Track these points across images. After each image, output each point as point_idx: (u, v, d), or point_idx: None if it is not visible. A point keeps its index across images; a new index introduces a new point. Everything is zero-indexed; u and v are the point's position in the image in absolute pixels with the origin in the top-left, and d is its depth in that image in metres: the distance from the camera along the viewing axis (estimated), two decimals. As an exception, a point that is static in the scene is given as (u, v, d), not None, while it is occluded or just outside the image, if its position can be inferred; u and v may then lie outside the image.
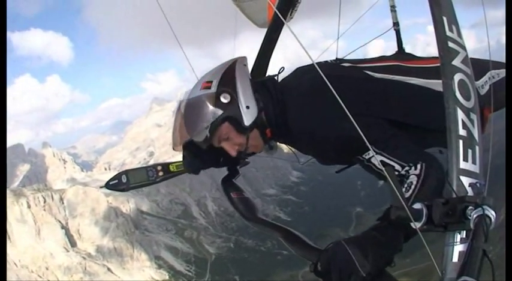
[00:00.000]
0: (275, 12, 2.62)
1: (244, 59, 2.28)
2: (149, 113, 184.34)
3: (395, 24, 3.05)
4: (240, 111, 2.07)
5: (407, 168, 1.76)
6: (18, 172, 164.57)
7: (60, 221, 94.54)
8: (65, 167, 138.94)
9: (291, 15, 3.12)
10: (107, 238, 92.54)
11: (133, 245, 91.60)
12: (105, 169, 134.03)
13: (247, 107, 2.08)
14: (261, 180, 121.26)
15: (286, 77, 2.35)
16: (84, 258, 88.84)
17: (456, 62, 1.49)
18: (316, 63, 2.12)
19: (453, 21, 1.55)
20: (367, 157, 1.90)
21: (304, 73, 2.29)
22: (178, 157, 2.51)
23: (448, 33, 1.52)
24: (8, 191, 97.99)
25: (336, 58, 2.52)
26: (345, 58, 2.51)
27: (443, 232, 1.30)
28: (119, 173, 2.45)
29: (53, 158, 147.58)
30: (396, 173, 1.79)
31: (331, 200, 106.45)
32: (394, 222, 1.34)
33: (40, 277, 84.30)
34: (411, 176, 1.69)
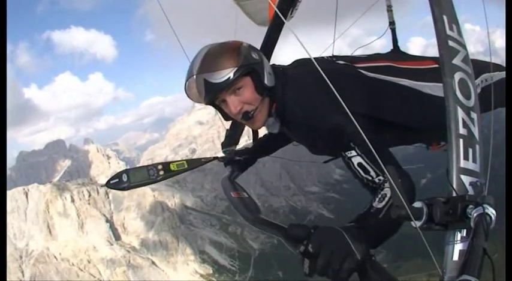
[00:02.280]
0: (275, 11, 2.75)
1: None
2: (192, 110, 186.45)
3: (391, 23, 3.14)
4: (264, 72, 2.11)
5: (381, 178, 1.88)
6: (58, 167, 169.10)
7: (104, 215, 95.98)
8: (109, 163, 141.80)
9: (291, 14, 3.18)
10: (152, 232, 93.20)
11: (178, 239, 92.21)
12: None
13: (269, 73, 2.14)
14: (305, 177, 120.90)
15: (286, 67, 2.36)
16: (128, 251, 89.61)
17: (456, 60, 1.50)
18: (319, 57, 2.40)
19: (453, 20, 1.56)
20: (348, 155, 1.97)
21: (303, 65, 2.33)
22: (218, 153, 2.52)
23: (449, 32, 1.53)
24: (50, 185, 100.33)
25: (332, 55, 2.59)
26: (341, 56, 2.55)
27: (444, 231, 1.30)
28: (119, 172, 2.45)
29: (96, 153, 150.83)
30: (369, 178, 1.91)
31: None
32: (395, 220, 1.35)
33: (81, 270, 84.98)
34: (385, 189, 1.80)
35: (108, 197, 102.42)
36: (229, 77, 1.99)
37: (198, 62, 2.05)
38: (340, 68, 2.30)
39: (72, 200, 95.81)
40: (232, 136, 3.27)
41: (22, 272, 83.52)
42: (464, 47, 1.52)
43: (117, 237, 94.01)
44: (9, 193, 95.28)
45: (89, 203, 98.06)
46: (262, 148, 3.13)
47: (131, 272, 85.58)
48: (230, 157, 3.07)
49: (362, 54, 2.68)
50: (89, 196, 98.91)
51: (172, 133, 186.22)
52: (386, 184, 1.80)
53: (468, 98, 1.45)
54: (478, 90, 2.27)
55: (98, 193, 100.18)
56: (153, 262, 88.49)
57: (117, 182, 2.39)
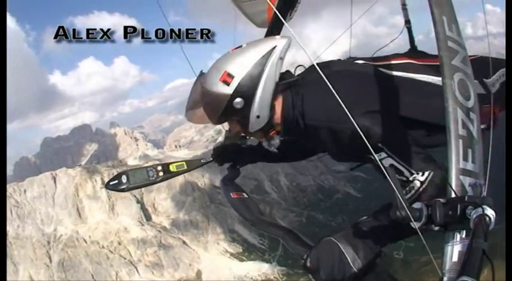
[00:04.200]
0: (275, 12, 2.72)
1: (285, 45, 2.06)
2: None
3: (407, 22, 3.08)
4: (249, 118, 2.06)
5: (415, 175, 1.78)
6: (85, 152, 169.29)
7: (135, 196, 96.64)
8: (137, 145, 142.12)
9: (290, 15, 3.16)
10: (182, 212, 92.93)
11: (208, 219, 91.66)
12: (175, 147, 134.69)
13: (258, 117, 2.06)
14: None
15: (303, 72, 2.26)
16: (159, 231, 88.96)
17: (456, 61, 1.50)
18: (332, 60, 2.33)
19: (453, 21, 1.57)
20: (378, 157, 1.84)
21: (321, 68, 2.14)
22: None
23: (448, 33, 1.53)
24: (80, 169, 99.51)
25: (349, 56, 2.49)
26: (359, 57, 2.45)
27: (443, 232, 1.30)
28: (119, 174, 2.45)
29: (124, 136, 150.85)
30: (404, 179, 1.80)
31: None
32: (395, 221, 1.34)
33: (112, 252, 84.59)
34: (415, 181, 1.75)
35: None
36: (218, 119, 2.13)
37: (189, 103, 2.33)
38: (360, 68, 2.23)
39: (103, 183, 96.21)
40: (232, 138, 3.19)
41: (50, 257, 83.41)
42: (463, 47, 1.53)
43: (148, 218, 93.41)
44: (36, 178, 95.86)
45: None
46: (265, 153, 2.99)
47: (162, 252, 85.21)
48: (226, 156, 2.99)
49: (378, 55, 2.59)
50: None
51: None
52: (417, 177, 1.76)
53: (467, 99, 1.44)
54: (497, 86, 2.24)
55: None
56: (184, 242, 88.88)
57: (117, 184, 2.40)
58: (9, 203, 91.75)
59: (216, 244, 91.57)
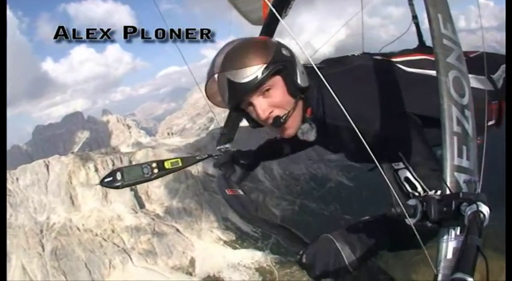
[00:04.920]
0: (270, 9, 2.66)
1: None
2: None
3: (414, 17, 3.07)
4: (297, 70, 1.88)
5: (428, 193, 1.70)
6: (77, 139, 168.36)
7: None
8: (130, 132, 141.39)
9: (285, 12, 3.13)
10: (176, 199, 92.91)
11: (202, 207, 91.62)
12: (168, 134, 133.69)
13: (302, 73, 1.91)
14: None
15: (318, 66, 2.02)
16: (153, 219, 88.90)
17: (451, 59, 1.50)
18: (350, 55, 2.23)
19: (448, 18, 1.57)
20: (395, 167, 1.78)
21: (337, 62, 2.14)
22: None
23: (443, 30, 1.53)
24: (73, 156, 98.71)
25: (363, 52, 2.41)
26: (373, 52, 2.40)
27: (438, 228, 1.31)
28: (113, 171, 2.40)
29: (117, 123, 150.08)
30: (417, 194, 1.73)
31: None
32: (391, 218, 1.34)
33: (105, 240, 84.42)
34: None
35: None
36: (256, 76, 1.76)
37: (220, 60, 1.81)
38: (378, 64, 2.12)
39: (96, 170, 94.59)
40: (227, 134, 3.16)
41: (42, 246, 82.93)
42: (458, 45, 1.53)
43: (141, 205, 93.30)
44: (28, 166, 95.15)
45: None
46: (267, 152, 3.00)
47: (156, 240, 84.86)
48: (226, 159, 2.90)
49: (386, 51, 2.53)
50: (113, 164, 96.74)
51: (190, 102, 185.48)
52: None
53: (462, 96, 1.45)
54: (501, 81, 2.25)
55: (121, 161, 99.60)
56: (177, 230, 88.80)
57: (111, 181, 2.36)
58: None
59: (210, 232, 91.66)
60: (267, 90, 1.83)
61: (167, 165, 2.51)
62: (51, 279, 79.47)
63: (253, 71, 1.75)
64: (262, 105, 1.85)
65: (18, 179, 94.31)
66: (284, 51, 1.86)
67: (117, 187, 2.37)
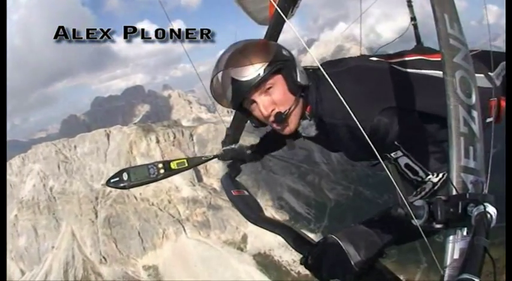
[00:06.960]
0: (276, 9, 2.66)
1: None
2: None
3: (413, 19, 3.11)
4: (296, 69, 1.98)
5: (430, 176, 1.75)
6: (137, 112, 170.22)
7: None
8: (190, 107, 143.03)
9: (292, 12, 3.11)
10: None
11: (258, 184, 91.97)
12: (227, 112, 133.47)
13: (301, 72, 2.01)
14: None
15: (316, 67, 2.16)
16: (209, 193, 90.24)
17: (457, 59, 1.49)
18: (345, 57, 2.30)
19: (454, 18, 1.55)
20: (394, 156, 1.84)
21: (337, 63, 2.22)
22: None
23: (450, 30, 1.52)
24: (135, 127, 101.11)
25: (361, 54, 2.50)
26: (371, 54, 2.46)
27: (444, 230, 1.29)
28: (120, 171, 2.40)
29: (178, 98, 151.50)
30: (419, 179, 1.78)
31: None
32: (396, 218, 1.34)
33: (161, 210, 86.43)
34: (428, 183, 1.73)
35: (193, 140, 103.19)
36: (259, 74, 1.86)
37: (225, 58, 1.94)
38: (374, 65, 2.20)
39: (157, 141, 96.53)
40: (232, 135, 3.24)
41: (96, 213, 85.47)
42: (465, 45, 1.53)
43: (200, 179, 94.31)
44: (88, 135, 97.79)
45: (173, 145, 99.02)
46: (268, 144, 3.06)
47: (211, 213, 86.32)
48: (231, 155, 3.03)
49: (382, 53, 2.59)
50: (174, 137, 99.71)
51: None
52: (433, 178, 1.75)
53: (469, 96, 1.44)
54: (500, 79, 2.27)
55: (182, 134, 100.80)
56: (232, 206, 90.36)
57: (118, 181, 2.36)
58: (58, 158, 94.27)
59: (264, 210, 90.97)
60: (269, 88, 1.94)
61: (173, 165, 2.50)
62: (102, 246, 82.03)
63: (256, 69, 1.87)
64: (265, 103, 1.96)
65: (76, 147, 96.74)
66: (284, 52, 1.98)
67: (123, 188, 2.37)
